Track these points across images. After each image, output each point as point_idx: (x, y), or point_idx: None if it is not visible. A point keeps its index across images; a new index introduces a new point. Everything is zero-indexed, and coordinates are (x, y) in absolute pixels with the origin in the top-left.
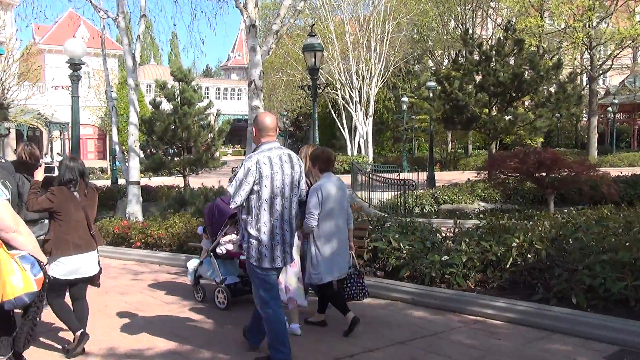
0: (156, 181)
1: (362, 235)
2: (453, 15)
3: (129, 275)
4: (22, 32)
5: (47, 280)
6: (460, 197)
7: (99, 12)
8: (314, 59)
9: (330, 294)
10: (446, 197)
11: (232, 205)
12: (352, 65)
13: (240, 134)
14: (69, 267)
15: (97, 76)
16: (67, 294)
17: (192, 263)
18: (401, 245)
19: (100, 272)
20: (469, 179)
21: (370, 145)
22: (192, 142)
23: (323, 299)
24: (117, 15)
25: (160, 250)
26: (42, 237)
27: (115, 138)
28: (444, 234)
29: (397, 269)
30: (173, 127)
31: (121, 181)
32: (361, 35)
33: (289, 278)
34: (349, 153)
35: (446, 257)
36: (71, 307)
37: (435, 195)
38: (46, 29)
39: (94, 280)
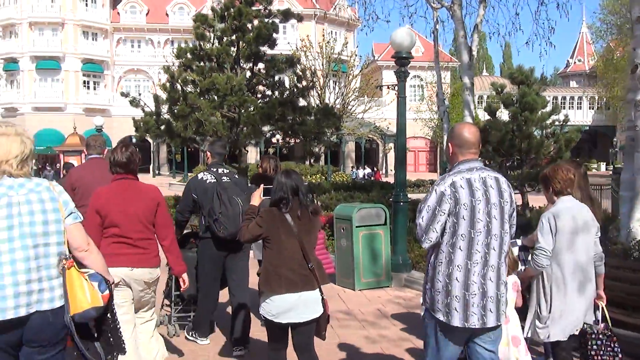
0: None
1: None
2: None
3: None
4: (362, 48)
5: (112, 297)
6: None
7: (432, 2)
8: None
9: (562, 356)
10: None
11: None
12: None
13: (578, 145)
14: (280, 307)
15: (429, 87)
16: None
17: None
18: None
19: (327, 318)
20: None
21: None
22: (534, 154)
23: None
24: (452, 3)
25: None
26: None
27: None
28: None
29: None
30: (510, 136)
31: None
32: None
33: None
34: None
35: None
36: None
37: None
38: (384, 46)
39: (318, 330)
